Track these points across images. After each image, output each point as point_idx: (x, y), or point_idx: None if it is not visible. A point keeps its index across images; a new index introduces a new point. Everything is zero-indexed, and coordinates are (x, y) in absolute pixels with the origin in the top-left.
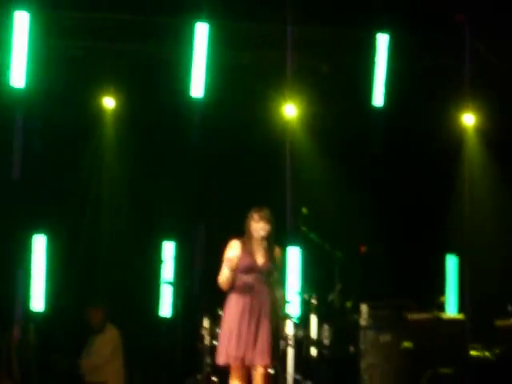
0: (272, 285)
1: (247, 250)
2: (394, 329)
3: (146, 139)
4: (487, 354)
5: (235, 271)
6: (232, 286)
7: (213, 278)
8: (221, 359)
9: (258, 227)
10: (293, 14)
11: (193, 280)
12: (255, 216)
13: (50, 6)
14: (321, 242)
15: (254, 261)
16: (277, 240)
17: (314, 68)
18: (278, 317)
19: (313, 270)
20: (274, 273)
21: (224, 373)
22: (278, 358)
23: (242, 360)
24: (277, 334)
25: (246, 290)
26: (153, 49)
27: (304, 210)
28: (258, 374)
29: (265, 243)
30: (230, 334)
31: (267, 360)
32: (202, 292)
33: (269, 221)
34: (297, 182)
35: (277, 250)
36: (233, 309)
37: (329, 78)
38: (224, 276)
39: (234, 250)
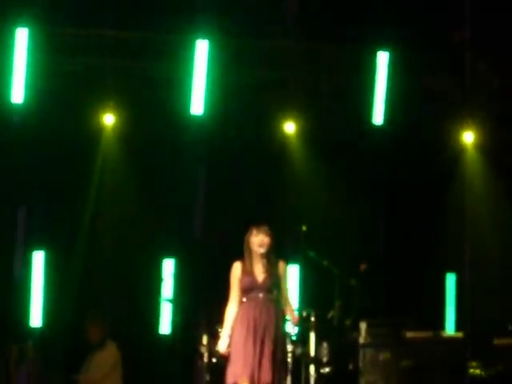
0: (274, 301)
1: (247, 268)
2: (393, 347)
3: (146, 155)
4: (486, 372)
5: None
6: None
7: (212, 295)
8: (230, 379)
9: (258, 240)
10: (293, 31)
11: (192, 297)
12: (254, 231)
13: (50, 22)
14: (320, 259)
15: (254, 279)
16: (278, 255)
17: (314, 85)
18: (282, 332)
19: (312, 287)
20: (276, 289)
21: None
22: (284, 375)
23: (249, 378)
24: (282, 350)
25: (250, 308)
26: (153, 65)
27: (304, 228)
28: None
29: (264, 260)
30: (237, 354)
31: (271, 378)
32: (201, 309)
33: (268, 234)
34: (296, 199)
35: (281, 264)
36: (238, 330)
37: (329, 96)
38: (230, 309)
39: (236, 274)
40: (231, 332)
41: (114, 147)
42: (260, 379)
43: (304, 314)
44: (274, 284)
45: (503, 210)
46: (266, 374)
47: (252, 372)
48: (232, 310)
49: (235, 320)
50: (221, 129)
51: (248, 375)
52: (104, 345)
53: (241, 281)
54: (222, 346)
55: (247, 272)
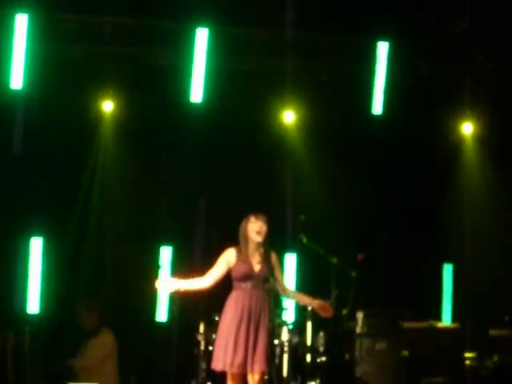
0: (269, 290)
1: (243, 257)
2: (389, 337)
3: (145, 143)
4: (482, 363)
5: (232, 278)
6: (231, 292)
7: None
8: (218, 365)
9: (256, 227)
10: (293, 20)
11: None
12: (252, 218)
13: (51, 8)
14: (317, 249)
15: (251, 267)
16: (271, 245)
17: (313, 75)
18: (273, 323)
19: (309, 277)
20: (272, 278)
21: (219, 378)
22: (273, 364)
23: (240, 366)
24: (272, 340)
25: (244, 296)
26: (153, 53)
27: (301, 217)
28: (255, 381)
29: (261, 249)
30: (228, 341)
31: (264, 366)
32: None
33: (265, 222)
34: (295, 187)
35: (273, 254)
36: (230, 315)
37: (328, 85)
38: (199, 280)
39: (226, 258)
40: (221, 316)
41: (113, 134)
42: (254, 367)
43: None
44: (270, 273)
45: (501, 201)
46: (261, 363)
47: (243, 360)
48: (200, 281)
49: (228, 306)
50: (220, 116)
51: (238, 363)
52: (99, 331)
53: (236, 268)
54: (166, 283)
55: (243, 260)
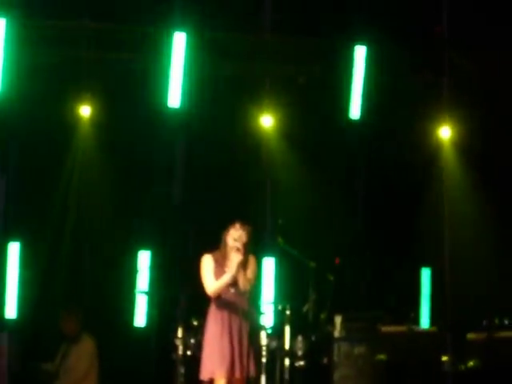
0: (246, 296)
1: (221, 264)
2: (367, 341)
3: (123, 147)
4: (459, 367)
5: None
6: (211, 301)
7: (187, 288)
8: (205, 374)
9: (236, 234)
10: (270, 24)
11: (168, 290)
12: (237, 225)
13: (27, 14)
14: (296, 253)
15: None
16: (252, 251)
17: (291, 78)
18: (253, 328)
19: (287, 281)
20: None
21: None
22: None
23: (226, 374)
24: (253, 345)
25: (225, 304)
26: (131, 57)
27: (279, 221)
28: None
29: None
30: (213, 349)
31: (248, 372)
32: (176, 302)
33: (248, 233)
34: (273, 192)
35: (252, 260)
36: (213, 324)
37: (306, 89)
38: (216, 284)
39: (209, 263)
40: (205, 326)
41: (91, 139)
42: (236, 374)
43: (279, 307)
44: (247, 281)
45: (479, 205)
46: (244, 369)
47: (229, 367)
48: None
49: (210, 315)
50: (198, 122)
51: (225, 371)
52: (80, 338)
53: (215, 275)
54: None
55: (221, 267)
